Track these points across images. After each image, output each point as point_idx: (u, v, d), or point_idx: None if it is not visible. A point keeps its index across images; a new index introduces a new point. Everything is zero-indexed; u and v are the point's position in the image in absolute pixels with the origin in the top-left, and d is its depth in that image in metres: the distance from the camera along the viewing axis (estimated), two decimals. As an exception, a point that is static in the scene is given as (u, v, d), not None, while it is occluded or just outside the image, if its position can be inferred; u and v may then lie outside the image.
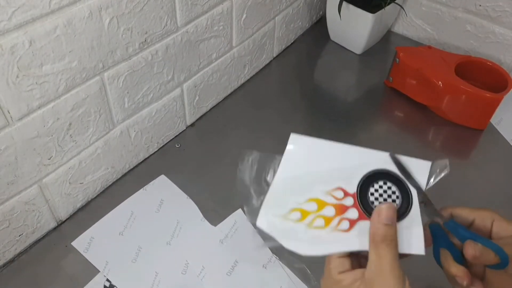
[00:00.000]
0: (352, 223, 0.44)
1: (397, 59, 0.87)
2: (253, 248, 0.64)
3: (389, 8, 0.93)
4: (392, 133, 0.84)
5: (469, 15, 0.94)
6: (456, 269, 0.44)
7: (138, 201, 0.69)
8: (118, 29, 0.58)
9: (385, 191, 0.45)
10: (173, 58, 0.70)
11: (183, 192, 0.71)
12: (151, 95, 0.70)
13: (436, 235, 0.46)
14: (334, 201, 0.45)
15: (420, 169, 0.48)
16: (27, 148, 0.55)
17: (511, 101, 0.81)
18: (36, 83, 0.52)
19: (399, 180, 0.46)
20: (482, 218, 0.47)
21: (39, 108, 0.54)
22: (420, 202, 0.46)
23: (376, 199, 0.45)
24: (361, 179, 0.46)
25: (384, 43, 1.05)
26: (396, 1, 0.93)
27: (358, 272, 0.40)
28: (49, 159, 0.59)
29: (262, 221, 0.46)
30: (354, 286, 0.39)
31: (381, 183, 0.46)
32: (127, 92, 0.65)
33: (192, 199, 0.70)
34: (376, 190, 0.45)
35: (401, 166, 0.46)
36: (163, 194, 0.70)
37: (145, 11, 0.60)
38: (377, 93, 0.92)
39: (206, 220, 0.67)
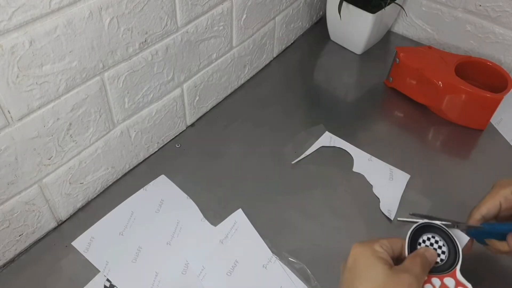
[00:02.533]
0: None
1: (397, 59, 0.87)
2: (253, 248, 0.64)
3: (389, 8, 0.93)
4: (392, 133, 0.84)
5: (469, 15, 0.94)
6: (503, 246, 0.51)
7: (138, 201, 0.69)
8: (118, 29, 0.58)
9: (431, 244, 0.48)
10: (173, 58, 0.70)
11: (183, 192, 0.71)
12: (151, 95, 0.70)
13: (475, 235, 0.51)
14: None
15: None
16: (27, 148, 0.55)
17: (511, 101, 0.81)
18: (36, 83, 0.52)
19: (445, 233, 0.48)
20: (504, 197, 0.52)
21: (39, 108, 0.54)
22: (453, 227, 0.49)
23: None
24: (412, 229, 0.48)
25: (384, 43, 1.05)
26: (396, 1, 0.93)
27: (391, 261, 0.44)
28: (49, 159, 0.59)
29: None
30: (382, 260, 0.43)
31: (429, 235, 0.48)
32: (127, 92, 0.65)
33: (192, 199, 0.70)
34: (424, 241, 0.48)
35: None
36: (163, 194, 0.70)
37: (145, 11, 0.60)
38: (377, 93, 0.92)
39: (206, 220, 0.67)
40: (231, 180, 0.74)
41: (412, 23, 1.04)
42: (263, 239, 0.65)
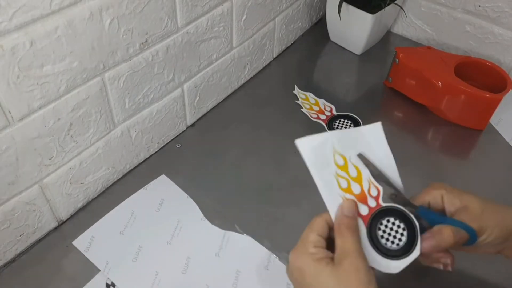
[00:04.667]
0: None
1: (397, 60, 0.87)
2: (251, 253, 0.64)
3: (389, 8, 0.93)
4: (392, 133, 0.83)
5: (468, 16, 0.94)
6: (428, 242, 0.48)
7: (138, 201, 0.69)
8: (119, 30, 0.58)
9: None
10: (173, 59, 0.70)
11: (183, 192, 0.71)
12: (152, 95, 0.70)
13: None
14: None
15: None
16: (28, 148, 0.56)
17: (510, 102, 0.82)
18: (37, 83, 0.52)
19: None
20: (434, 197, 0.51)
21: (40, 108, 0.54)
22: (391, 194, 0.49)
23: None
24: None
25: (384, 44, 1.05)
26: (395, 2, 0.94)
27: (329, 253, 0.45)
28: (50, 159, 0.59)
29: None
30: (323, 262, 0.44)
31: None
32: (128, 93, 0.65)
33: (193, 199, 0.70)
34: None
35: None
36: (163, 194, 0.70)
37: (145, 12, 0.60)
38: (376, 93, 0.92)
39: (206, 220, 0.67)
40: (231, 179, 0.74)
41: (412, 23, 1.04)
42: (263, 239, 0.65)
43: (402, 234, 0.48)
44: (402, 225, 0.48)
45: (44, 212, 0.63)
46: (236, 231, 0.66)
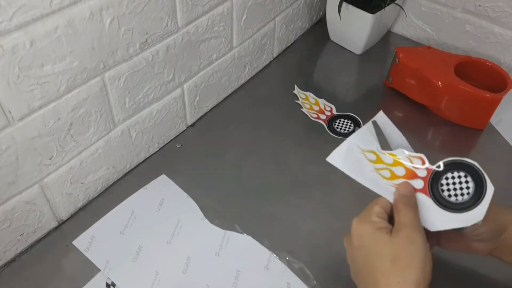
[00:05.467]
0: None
1: (397, 59, 0.87)
2: (251, 252, 0.64)
3: (389, 8, 0.93)
4: (392, 133, 0.84)
5: (468, 15, 0.94)
6: None
7: (138, 200, 0.69)
8: (119, 30, 0.58)
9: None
10: (173, 59, 0.70)
11: (183, 192, 0.71)
12: (152, 95, 0.70)
13: None
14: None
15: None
16: (28, 148, 0.56)
17: (510, 101, 0.82)
18: (37, 83, 0.52)
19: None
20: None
21: (40, 108, 0.54)
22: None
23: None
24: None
25: (384, 44, 1.05)
26: (395, 2, 0.94)
27: (390, 225, 0.47)
28: (50, 159, 0.59)
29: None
30: (383, 230, 0.46)
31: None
32: (128, 92, 0.65)
33: (193, 198, 0.70)
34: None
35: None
36: (163, 194, 0.70)
37: (145, 12, 0.60)
38: (376, 93, 0.92)
39: (206, 219, 0.67)
40: (231, 179, 0.74)
41: (412, 23, 1.04)
42: (263, 238, 0.65)
43: (467, 182, 0.48)
44: (462, 174, 0.48)
45: (44, 212, 0.63)
46: (236, 230, 0.66)
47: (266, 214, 0.69)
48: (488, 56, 0.95)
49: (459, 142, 0.83)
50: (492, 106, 0.79)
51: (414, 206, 0.48)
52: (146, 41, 0.63)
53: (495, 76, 0.82)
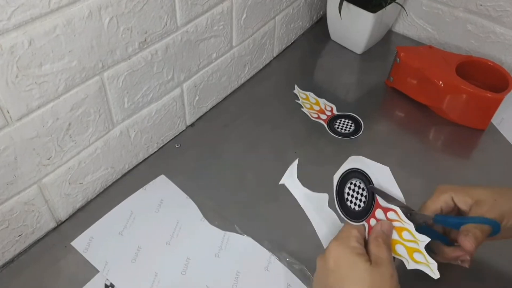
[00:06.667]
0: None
1: (398, 59, 0.86)
2: (250, 253, 0.64)
3: (390, 7, 0.92)
4: (393, 133, 0.83)
5: (470, 15, 0.94)
6: (453, 252, 0.52)
7: (137, 201, 0.69)
8: (118, 29, 0.58)
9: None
10: (173, 58, 0.70)
11: (183, 192, 0.71)
12: (151, 95, 0.70)
13: (423, 233, 0.50)
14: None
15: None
16: (26, 148, 0.55)
17: (512, 101, 0.81)
18: (35, 83, 0.52)
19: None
20: (444, 201, 0.54)
21: (38, 108, 0.54)
22: (406, 214, 0.51)
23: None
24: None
25: (385, 43, 1.05)
26: (396, 1, 0.93)
27: (366, 253, 0.48)
28: (48, 159, 0.59)
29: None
30: (362, 257, 0.47)
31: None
32: (127, 92, 0.65)
33: (192, 199, 0.70)
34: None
35: (381, 192, 0.53)
36: (162, 194, 0.70)
37: (144, 11, 0.60)
38: (377, 93, 0.92)
39: (206, 220, 0.67)
40: (231, 179, 0.74)
41: (413, 22, 1.03)
42: (263, 239, 0.65)
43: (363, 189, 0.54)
44: (361, 184, 0.54)
45: (43, 213, 0.63)
46: (236, 231, 0.66)
47: (266, 215, 0.68)
48: (490, 55, 0.94)
49: (460, 142, 0.82)
50: (493, 106, 0.79)
51: (390, 245, 0.50)
52: (145, 40, 0.63)
53: (496, 76, 0.82)
